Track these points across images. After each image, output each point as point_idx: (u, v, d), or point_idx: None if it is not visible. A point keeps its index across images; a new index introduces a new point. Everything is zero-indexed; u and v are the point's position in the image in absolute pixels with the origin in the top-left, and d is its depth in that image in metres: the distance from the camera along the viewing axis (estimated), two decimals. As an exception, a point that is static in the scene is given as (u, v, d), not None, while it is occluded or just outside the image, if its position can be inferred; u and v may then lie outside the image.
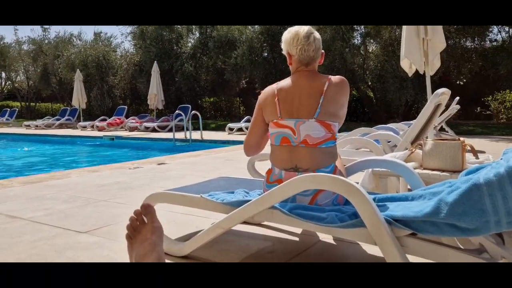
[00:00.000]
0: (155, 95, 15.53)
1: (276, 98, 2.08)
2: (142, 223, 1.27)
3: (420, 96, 13.38)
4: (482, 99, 15.76)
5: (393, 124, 6.58)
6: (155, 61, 16.00)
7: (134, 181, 4.71)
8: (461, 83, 14.52)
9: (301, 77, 2.09)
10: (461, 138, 2.59)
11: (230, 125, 13.00)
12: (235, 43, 15.79)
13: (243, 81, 18.28)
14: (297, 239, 2.62)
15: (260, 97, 2.19)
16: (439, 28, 5.84)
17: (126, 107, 17.37)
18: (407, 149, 3.40)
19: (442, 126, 7.67)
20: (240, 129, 12.82)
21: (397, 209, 1.83)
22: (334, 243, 2.53)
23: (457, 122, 14.35)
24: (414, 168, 2.71)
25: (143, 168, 5.70)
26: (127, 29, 20.78)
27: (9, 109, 21.63)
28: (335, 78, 2.06)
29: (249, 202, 2.07)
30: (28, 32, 54.27)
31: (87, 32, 41.39)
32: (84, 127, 16.10)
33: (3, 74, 28.73)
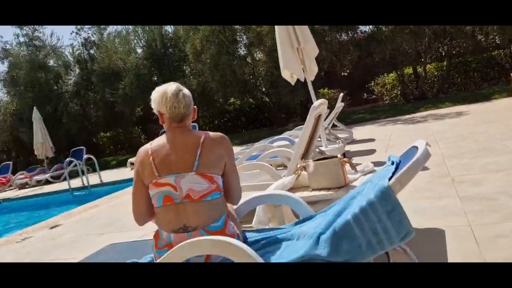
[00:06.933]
0: (41, 143, 14.15)
1: (151, 158, 1.96)
2: None
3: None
4: (366, 85, 17.13)
5: (288, 132, 6.74)
6: (34, 107, 14.63)
7: (22, 259, 4.15)
8: (345, 73, 15.60)
9: (176, 133, 2.03)
10: (339, 155, 2.65)
11: (131, 160, 12.34)
12: (120, 73, 15.13)
13: (138, 108, 17.59)
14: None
15: (135, 161, 2.06)
16: (309, 35, 6.10)
17: (11, 162, 15.61)
18: (298, 165, 3.44)
19: (333, 123, 8.06)
20: (143, 162, 12.26)
21: (284, 254, 1.83)
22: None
23: (350, 110, 15.38)
24: (303, 191, 2.72)
25: (33, 238, 5.09)
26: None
27: None
28: (213, 133, 2.04)
29: (134, 282, 1.88)
30: None
31: None
32: (-35, 195, 14.16)
33: None
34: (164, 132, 2.10)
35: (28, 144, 16.07)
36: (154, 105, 2.09)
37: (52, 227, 5.54)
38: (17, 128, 16.91)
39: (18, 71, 16.62)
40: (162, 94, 2.03)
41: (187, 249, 1.78)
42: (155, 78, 15.81)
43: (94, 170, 11.44)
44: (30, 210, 9.41)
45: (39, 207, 9.54)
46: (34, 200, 10.60)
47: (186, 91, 2.10)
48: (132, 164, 12.19)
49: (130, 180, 9.47)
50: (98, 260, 2.53)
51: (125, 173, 11.33)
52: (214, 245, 1.72)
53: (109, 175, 11.16)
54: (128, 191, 7.56)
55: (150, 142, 2.08)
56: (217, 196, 1.99)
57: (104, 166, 14.09)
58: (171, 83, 2.13)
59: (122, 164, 14.09)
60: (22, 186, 13.31)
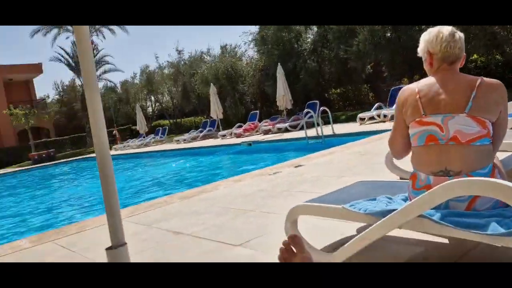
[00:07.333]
0: (283, 96, 15.97)
1: (418, 96, 1.97)
2: (292, 253, 1.31)
3: None
4: None
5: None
6: (279, 63, 16.44)
7: (275, 188, 4.92)
8: None
9: (446, 74, 1.98)
10: None
11: (361, 115, 12.62)
12: (355, 30, 15.29)
13: (368, 66, 17.55)
14: (452, 242, 2.42)
15: (398, 99, 2.10)
16: None
17: (258, 111, 18.25)
18: None
19: None
20: (371, 118, 12.35)
21: None
22: (498, 244, 2.27)
23: None
24: None
25: (281, 173, 5.92)
26: (249, 37, 21.89)
27: (161, 128, 24.60)
28: (489, 79, 1.94)
29: (394, 212, 1.99)
30: (166, 57, 61.15)
31: (214, 47, 44.94)
32: (224, 136, 17.40)
33: (152, 98, 33.01)
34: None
35: (271, 96, 18.36)
36: (424, 45, 2.06)
37: (296, 166, 6.30)
38: (263, 82, 19.47)
39: (267, 31, 18.86)
40: (437, 33, 1.99)
41: (453, 188, 1.73)
42: (388, 34, 15.32)
43: (327, 123, 12.22)
44: (273, 152, 10.92)
45: (280, 150, 10.95)
46: (276, 144, 12.22)
47: (461, 33, 2.01)
48: (361, 119, 12.45)
49: (360, 133, 9.79)
50: (350, 192, 2.75)
51: (355, 126, 11.70)
52: (488, 186, 1.65)
53: (340, 128, 11.74)
54: (358, 143, 7.83)
55: (417, 82, 2.08)
56: (486, 143, 1.88)
57: (334, 120, 14.83)
58: (445, 26, 2.04)
59: (350, 119, 14.55)
60: (266, 132, 15.43)
